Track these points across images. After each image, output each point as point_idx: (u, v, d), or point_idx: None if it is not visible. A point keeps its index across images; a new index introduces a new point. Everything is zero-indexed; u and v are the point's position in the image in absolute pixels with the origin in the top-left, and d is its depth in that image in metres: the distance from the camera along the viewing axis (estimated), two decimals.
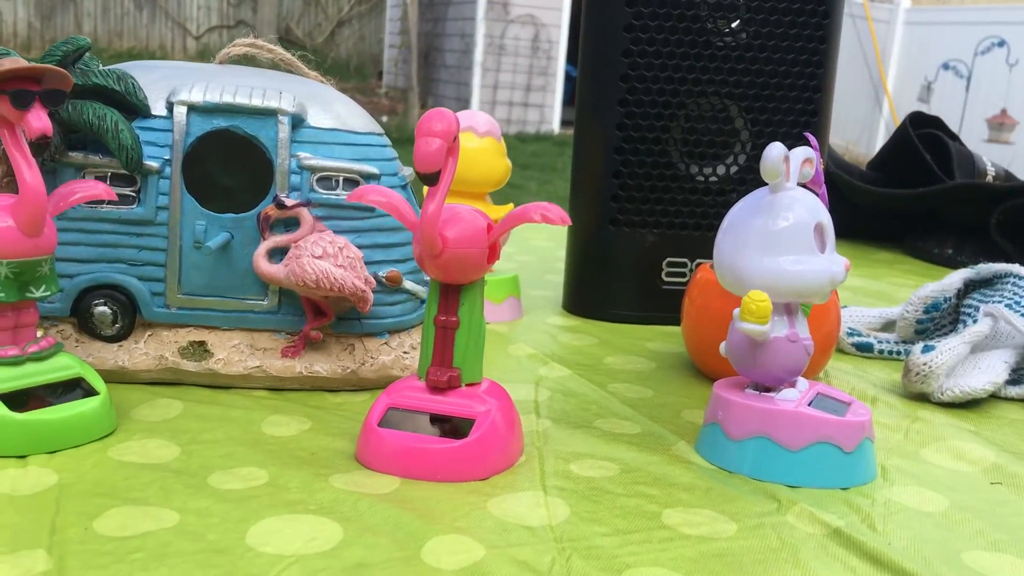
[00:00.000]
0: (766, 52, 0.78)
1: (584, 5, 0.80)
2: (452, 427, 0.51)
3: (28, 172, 0.47)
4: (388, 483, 0.47)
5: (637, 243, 0.80)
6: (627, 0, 0.76)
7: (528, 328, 0.77)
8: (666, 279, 0.80)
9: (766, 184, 0.51)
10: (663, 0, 0.76)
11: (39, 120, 0.46)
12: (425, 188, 0.49)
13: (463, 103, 6.46)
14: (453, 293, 0.50)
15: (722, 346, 0.53)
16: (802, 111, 0.79)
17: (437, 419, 0.51)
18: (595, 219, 0.80)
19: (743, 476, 0.50)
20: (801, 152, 0.52)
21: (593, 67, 0.80)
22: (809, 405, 0.51)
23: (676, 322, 0.79)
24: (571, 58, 6.76)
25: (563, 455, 0.52)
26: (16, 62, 0.47)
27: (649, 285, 0.80)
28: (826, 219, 0.52)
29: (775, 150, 0.49)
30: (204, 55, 7.44)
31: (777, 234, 0.50)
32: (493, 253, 0.50)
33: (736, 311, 0.51)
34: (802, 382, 0.53)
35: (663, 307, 0.80)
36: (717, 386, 0.54)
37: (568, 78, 6.74)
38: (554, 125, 6.58)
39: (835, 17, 0.78)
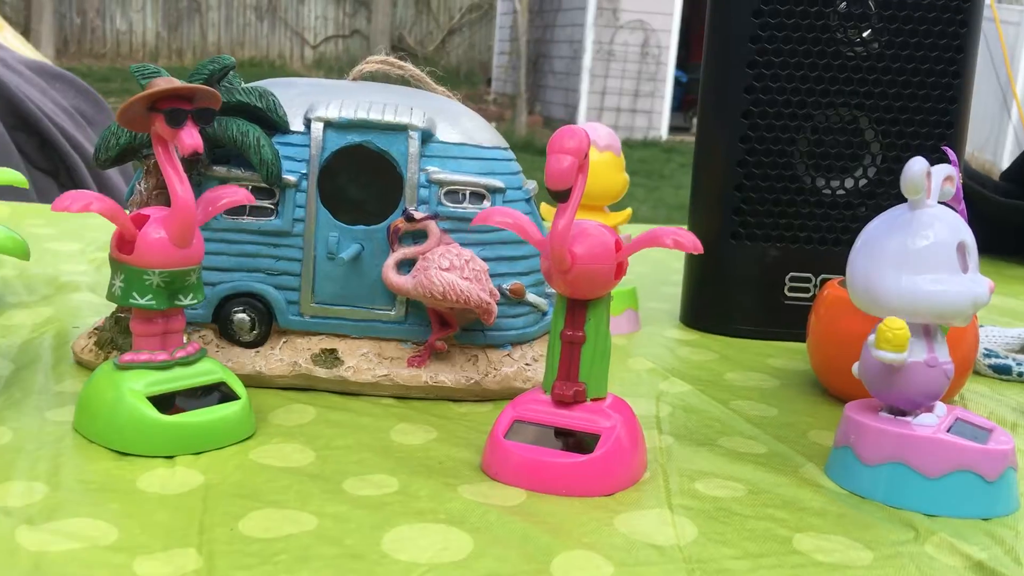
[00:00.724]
0: (899, 62, 0.75)
1: (708, 16, 0.79)
2: (576, 441, 0.51)
3: (180, 186, 0.50)
4: (515, 495, 0.48)
5: (759, 257, 0.78)
6: (753, 11, 0.75)
7: (646, 341, 0.77)
8: (789, 294, 0.79)
9: (898, 198, 0.50)
10: (791, 11, 0.75)
11: (191, 137, 0.49)
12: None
13: (571, 109, 6.47)
14: (580, 308, 0.51)
15: (855, 367, 0.52)
16: (936, 123, 0.76)
17: (561, 433, 0.52)
18: (716, 232, 0.79)
19: (877, 502, 0.49)
20: (943, 169, 0.50)
21: (716, 78, 0.79)
22: (948, 431, 0.49)
23: (799, 338, 0.77)
24: (680, 63, 6.69)
25: (688, 473, 0.52)
26: (170, 82, 0.50)
27: (771, 300, 0.79)
28: (969, 238, 0.50)
29: (917, 165, 0.48)
30: (321, 63, 7.67)
31: (917, 253, 0.49)
32: (620, 270, 0.51)
33: (871, 336, 0.50)
34: (940, 406, 0.51)
35: (785, 323, 0.78)
36: (849, 408, 0.53)
37: (677, 83, 6.67)
38: (662, 131, 6.52)
39: (973, 26, 0.75)
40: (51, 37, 7.00)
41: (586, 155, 0.48)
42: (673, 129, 6.68)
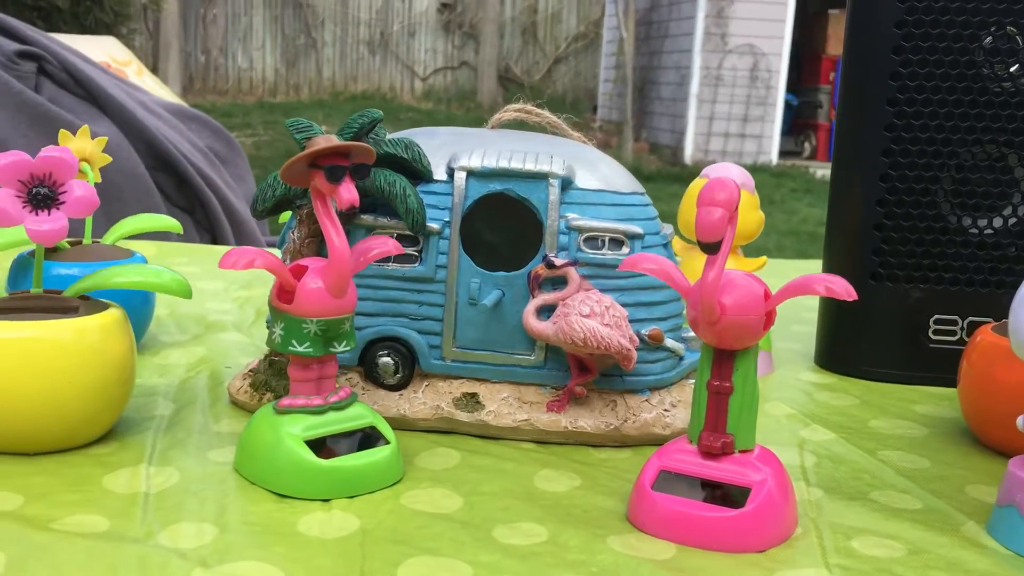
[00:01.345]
0: None
1: (844, 51, 0.78)
2: (724, 494, 0.51)
3: (337, 239, 0.52)
4: (665, 549, 0.47)
5: (901, 299, 0.76)
6: (893, 48, 0.74)
7: (781, 384, 0.75)
8: (934, 337, 0.76)
9: None
10: (933, 47, 0.73)
11: (349, 192, 0.51)
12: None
13: (678, 135, 6.43)
14: (727, 358, 0.50)
15: (1020, 420, 0.50)
16: None
17: (708, 484, 0.51)
18: (854, 272, 0.77)
19: None
20: None
21: (854, 116, 0.77)
22: None
23: (946, 384, 0.74)
24: (791, 87, 6.57)
25: (842, 530, 0.50)
26: (330, 140, 0.52)
27: (913, 343, 0.76)
28: None
29: None
30: (430, 95, 7.85)
31: None
32: (769, 320, 0.50)
33: None
34: None
35: (930, 368, 0.75)
36: (1014, 464, 0.50)
37: (787, 107, 6.54)
38: (772, 156, 6.40)
39: None
40: (177, 75, 7.38)
41: (736, 207, 0.47)
42: (783, 153, 6.55)
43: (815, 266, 1.23)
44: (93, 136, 0.75)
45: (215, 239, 1.75)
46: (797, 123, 6.83)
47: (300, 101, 7.55)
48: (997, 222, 0.75)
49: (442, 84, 7.96)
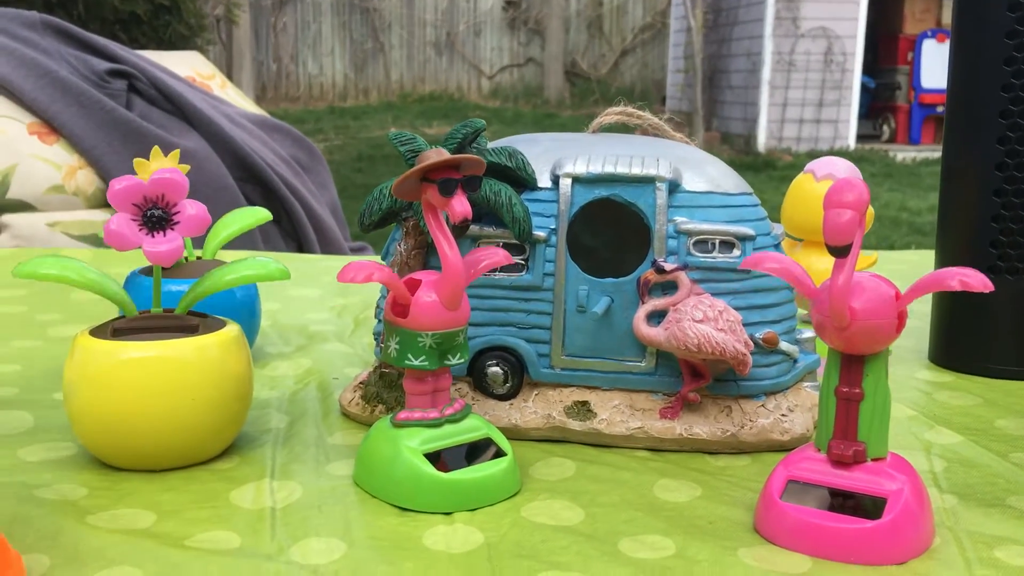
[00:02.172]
0: None
1: (953, 36, 0.75)
2: (855, 504, 0.49)
3: (450, 252, 0.52)
4: (799, 562, 0.46)
5: (1021, 292, 0.73)
6: (1007, 32, 0.70)
7: (899, 384, 0.73)
8: None
9: None
10: None
11: (462, 205, 0.50)
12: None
13: (750, 123, 6.31)
14: (856, 364, 0.49)
15: None
16: None
17: (838, 494, 0.50)
18: (971, 266, 0.73)
19: None
20: None
21: (966, 103, 0.74)
22: None
23: None
24: (867, 69, 6.39)
25: (983, 539, 0.48)
26: (441, 154, 0.52)
27: None
28: None
29: None
30: (497, 93, 7.87)
31: None
32: (901, 322, 0.48)
33: None
34: None
35: None
36: None
37: (864, 90, 6.37)
38: (849, 141, 6.24)
39: None
40: (251, 83, 7.54)
41: (866, 208, 0.46)
42: (861, 137, 6.39)
43: (919, 256, 1.19)
44: (183, 150, 0.76)
45: (301, 247, 1.78)
46: (875, 106, 6.64)
47: (369, 104, 7.64)
48: None
49: (509, 82, 7.97)
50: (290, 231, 1.73)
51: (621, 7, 7.86)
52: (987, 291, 0.45)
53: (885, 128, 6.58)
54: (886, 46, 6.54)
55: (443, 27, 7.96)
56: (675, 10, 7.25)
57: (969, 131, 0.74)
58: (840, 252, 0.45)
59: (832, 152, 5.69)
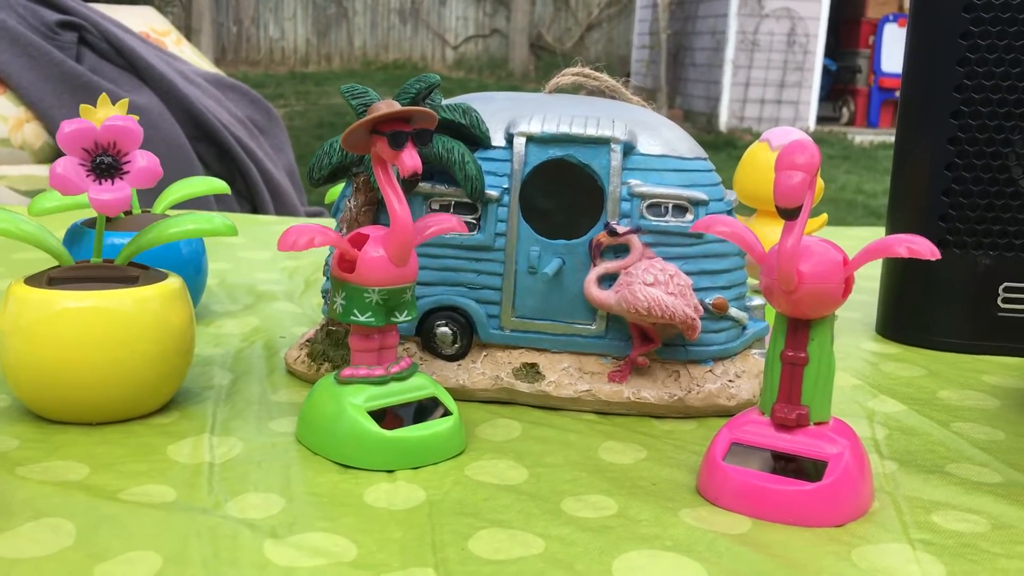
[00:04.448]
0: None
1: (911, 11, 0.75)
2: (797, 467, 0.49)
3: (399, 206, 0.51)
4: (739, 523, 0.46)
5: (969, 266, 0.74)
6: (964, 5, 0.71)
7: (845, 354, 0.74)
8: (1003, 306, 0.73)
9: None
10: (1006, 4, 0.70)
11: (412, 159, 0.49)
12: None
13: (712, 102, 6.33)
14: (802, 328, 0.49)
15: None
16: None
17: (780, 457, 0.50)
18: None
19: None
20: None
21: (921, 77, 0.74)
22: None
23: (1016, 353, 0.73)
24: (829, 51, 6.43)
25: (921, 503, 0.49)
26: (391, 105, 0.51)
27: (983, 312, 0.74)
28: None
29: None
30: (461, 63, 7.80)
31: None
32: (848, 287, 0.48)
33: None
34: None
35: (1000, 336, 0.73)
36: None
37: (826, 72, 6.41)
38: (809, 122, 6.29)
39: None
40: (211, 45, 7.39)
41: (816, 171, 0.46)
42: (821, 119, 6.44)
43: (869, 232, 1.20)
44: (135, 106, 0.74)
45: (255, 209, 1.75)
46: (835, 88, 6.70)
47: (332, 71, 7.53)
48: None
49: (473, 52, 7.90)
50: (244, 193, 1.70)
51: None
52: (934, 259, 0.46)
53: (844, 111, 6.65)
54: (848, 29, 6.59)
55: None
56: None
57: (924, 105, 0.74)
58: (790, 214, 0.45)
59: None
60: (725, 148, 5.45)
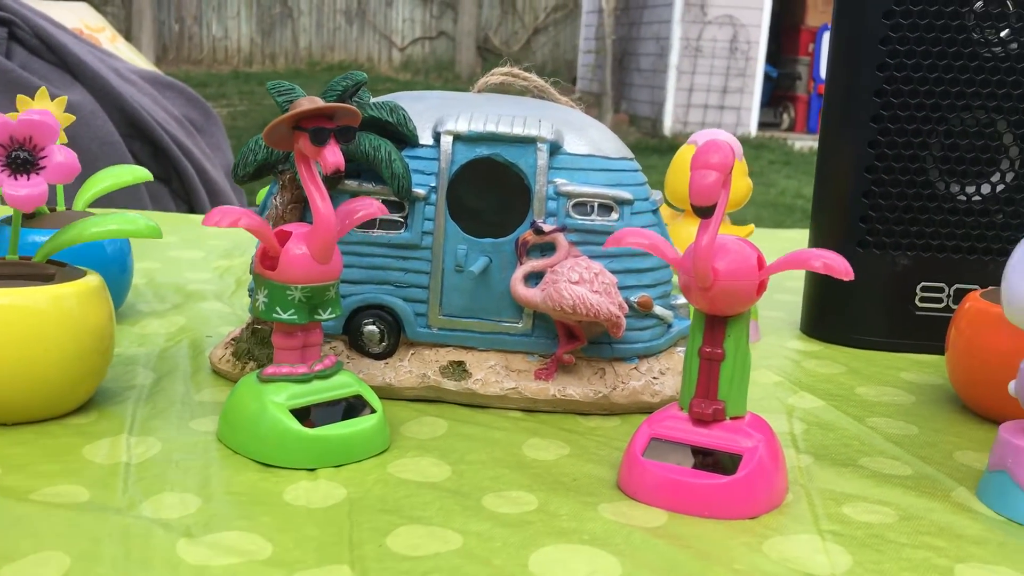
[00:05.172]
0: None
1: (834, 17, 0.77)
2: (715, 461, 0.50)
3: (322, 204, 0.51)
4: (656, 516, 0.47)
5: (888, 266, 0.76)
6: (884, 12, 0.73)
7: (768, 352, 0.75)
8: (920, 305, 0.76)
9: None
10: (924, 11, 0.72)
11: (334, 155, 0.49)
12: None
13: (657, 107, 6.40)
14: (719, 325, 0.50)
15: (1011, 385, 0.50)
16: None
17: (699, 452, 0.51)
18: (841, 240, 0.76)
19: None
20: None
21: (843, 82, 0.76)
22: None
23: (932, 351, 0.75)
24: (770, 58, 6.55)
25: (833, 496, 0.50)
26: (314, 101, 0.50)
27: (900, 311, 0.76)
28: None
29: None
30: (408, 65, 7.77)
31: None
32: (762, 286, 0.49)
33: None
34: None
35: (916, 335, 0.75)
36: (1005, 430, 0.50)
37: (767, 79, 6.53)
38: (751, 128, 6.39)
39: None
40: (151, 44, 7.25)
41: (731, 170, 0.47)
42: (762, 125, 6.55)
43: (801, 235, 1.22)
44: (68, 103, 0.73)
45: (192, 209, 1.72)
46: (776, 95, 6.82)
47: (276, 71, 7.45)
48: (985, 188, 0.74)
49: (420, 55, 7.88)
50: (180, 192, 1.68)
51: None
52: (848, 278, 0.47)
53: (785, 117, 6.77)
54: (788, 37, 6.72)
55: None
56: None
57: (845, 109, 0.76)
58: (704, 212, 0.46)
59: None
60: (669, 152, 5.50)
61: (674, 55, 6.26)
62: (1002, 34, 0.72)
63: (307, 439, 0.51)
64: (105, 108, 1.60)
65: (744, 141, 5.92)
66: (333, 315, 0.54)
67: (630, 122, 6.56)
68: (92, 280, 0.56)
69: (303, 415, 0.53)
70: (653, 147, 5.61)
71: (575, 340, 0.61)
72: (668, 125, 6.31)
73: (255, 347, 0.62)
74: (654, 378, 0.62)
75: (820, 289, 0.80)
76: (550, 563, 0.42)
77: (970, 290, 0.70)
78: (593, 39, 7.04)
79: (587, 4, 7.30)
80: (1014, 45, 0.72)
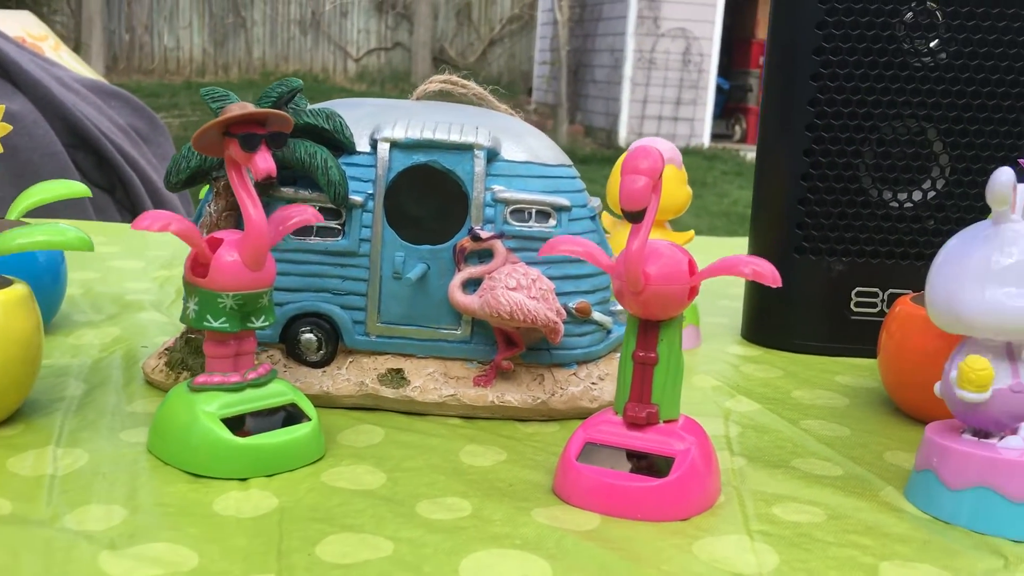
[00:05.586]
0: (968, 72, 0.74)
1: (769, 28, 0.78)
2: (649, 464, 0.51)
3: (253, 210, 0.50)
4: (589, 520, 0.47)
5: (824, 272, 0.77)
6: (817, 23, 0.74)
7: (709, 358, 0.76)
8: (855, 310, 0.77)
9: (968, 210, 0.49)
10: (855, 22, 0.74)
11: (265, 161, 0.49)
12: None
13: (612, 118, 6.46)
14: (652, 329, 0.50)
15: (937, 387, 0.51)
16: (1008, 134, 0.74)
17: (634, 455, 0.51)
18: (779, 247, 0.77)
19: (962, 528, 0.48)
20: None
21: (779, 91, 0.78)
22: None
23: (866, 355, 0.76)
24: (722, 71, 6.64)
25: (764, 497, 0.51)
26: (244, 107, 0.50)
27: (836, 316, 0.77)
28: None
29: (1004, 175, 0.47)
30: (363, 76, 7.74)
31: (1002, 270, 0.47)
32: (693, 291, 0.50)
33: (954, 363, 0.49)
34: None
35: (851, 339, 0.77)
36: (930, 430, 0.51)
37: (719, 91, 6.62)
38: (704, 139, 6.47)
39: None
40: (101, 53, 7.14)
41: (660, 175, 0.47)
42: (715, 137, 6.63)
43: (743, 242, 1.24)
44: (6, 113, 0.71)
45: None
46: (728, 107, 6.91)
47: (229, 81, 7.37)
48: (917, 195, 0.76)
49: (376, 65, 7.86)
50: (125, 202, 1.65)
51: None
52: (776, 285, 0.48)
53: (737, 128, 6.86)
54: (740, 49, 6.82)
55: (308, 5, 7.76)
56: (542, 3, 7.32)
57: (781, 118, 0.77)
58: (634, 217, 0.47)
59: (687, 150, 5.88)
60: None
61: (628, 67, 6.32)
62: (931, 44, 0.74)
63: (238, 448, 0.50)
64: (47, 117, 1.57)
65: (698, 152, 5.99)
66: (266, 323, 0.53)
67: (585, 133, 6.60)
68: (18, 289, 0.54)
69: (237, 424, 0.52)
70: (608, 158, 5.65)
71: (514, 346, 0.61)
72: (623, 136, 6.36)
73: (189, 356, 0.61)
74: (593, 383, 0.62)
75: (759, 295, 0.81)
76: (481, 568, 0.42)
77: (903, 295, 0.71)
78: (548, 51, 7.08)
79: (542, 16, 7.35)
80: (943, 55, 0.74)
